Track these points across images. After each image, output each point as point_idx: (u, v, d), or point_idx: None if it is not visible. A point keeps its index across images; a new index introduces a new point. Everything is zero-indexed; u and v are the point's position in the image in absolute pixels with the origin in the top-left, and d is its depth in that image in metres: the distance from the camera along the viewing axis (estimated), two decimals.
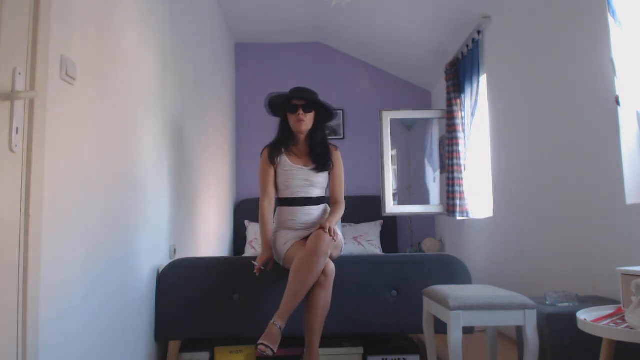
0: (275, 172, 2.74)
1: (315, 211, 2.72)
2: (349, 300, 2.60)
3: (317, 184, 2.74)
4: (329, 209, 2.79)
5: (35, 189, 1.41)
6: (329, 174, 2.79)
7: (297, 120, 2.68)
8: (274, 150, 2.75)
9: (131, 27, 2.28)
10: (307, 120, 2.70)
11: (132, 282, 2.26)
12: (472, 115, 3.84)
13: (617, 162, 2.22)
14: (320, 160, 2.74)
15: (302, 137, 2.76)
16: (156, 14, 2.65)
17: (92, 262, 1.83)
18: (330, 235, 2.45)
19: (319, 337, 2.39)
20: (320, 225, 2.51)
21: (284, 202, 2.75)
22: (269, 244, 2.66)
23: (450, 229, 4.76)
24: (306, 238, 2.62)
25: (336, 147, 2.85)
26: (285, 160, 2.73)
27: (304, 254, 2.38)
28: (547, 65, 2.88)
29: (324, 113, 2.78)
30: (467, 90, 3.97)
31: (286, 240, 2.63)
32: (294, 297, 2.32)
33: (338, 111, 2.79)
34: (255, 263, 2.56)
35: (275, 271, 2.65)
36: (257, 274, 2.55)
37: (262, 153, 2.80)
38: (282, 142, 2.76)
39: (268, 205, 2.71)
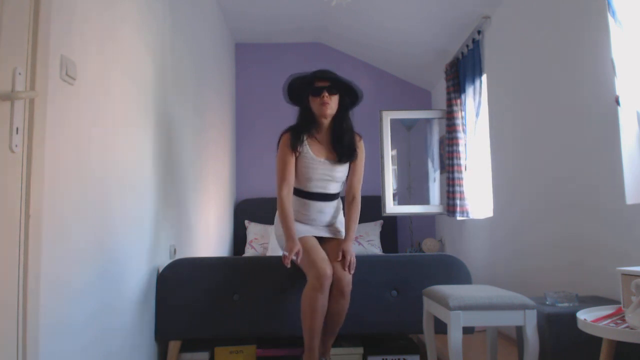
0: (295, 160, 2.55)
1: (328, 209, 2.63)
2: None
3: (337, 178, 2.61)
4: (341, 205, 2.72)
5: (35, 189, 1.41)
6: (350, 165, 2.64)
7: (321, 103, 2.49)
8: (296, 137, 2.54)
9: (131, 27, 2.28)
10: (332, 104, 2.51)
11: (132, 282, 2.26)
12: (477, 115, 3.84)
13: (617, 162, 2.22)
14: (345, 150, 2.58)
15: (325, 122, 2.58)
16: (156, 14, 2.65)
17: (92, 262, 1.83)
18: (350, 271, 2.41)
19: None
20: (342, 254, 2.44)
21: (298, 192, 2.60)
22: (294, 234, 2.47)
23: (450, 229, 4.76)
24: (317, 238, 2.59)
25: (360, 137, 2.68)
26: (307, 150, 2.56)
27: (334, 313, 2.41)
28: (547, 65, 2.88)
29: (349, 98, 2.60)
30: (469, 91, 3.96)
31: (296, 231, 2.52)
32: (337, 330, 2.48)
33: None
34: (285, 253, 2.41)
35: (276, 270, 2.65)
36: (287, 266, 2.38)
37: (280, 138, 2.60)
38: (304, 128, 2.56)
39: (287, 195, 2.52)
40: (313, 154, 2.56)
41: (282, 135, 2.60)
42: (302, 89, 2.58)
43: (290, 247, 2.42)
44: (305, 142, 2.56)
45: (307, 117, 2.57)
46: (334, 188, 2.64)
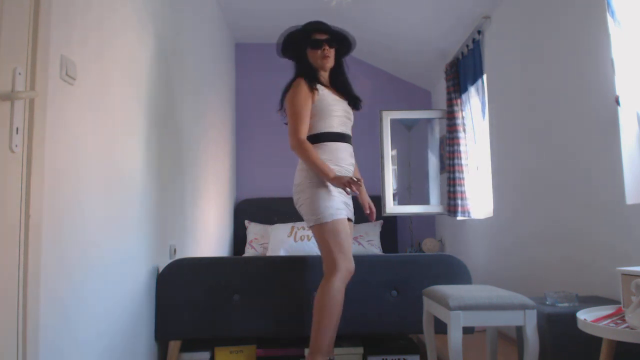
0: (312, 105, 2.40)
1: (352, 153, 2.49)
2: (348, 300, 2.59)
3: (352, 120, 2.53)
4: None
5: (35, 189, 1.41)
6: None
7: (322, 56, 2.45)
8: (311, 79, 2.42)
9: (131, 27, 2.28)
10: (331, 57, 2.48)
11: (132, 282, 2.26)
12: (483, 115, 3.83)
13: (617, 162, 2.22)
14: (351, 96, 2.55)
15: (325, 75, 2.53)
16: (156, 14, 2.65)
17: (92, 262, 1.83)
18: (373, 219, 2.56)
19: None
20: (369, 207, 2.53)
21: (325, 137, 2.40)
22: (330, 169, 2.32)
23: (450, 229, 4.76)
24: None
25: None
26: (324, 89, 2.45)
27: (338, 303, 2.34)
28: (547, 65, 2.88)
29: (343, 47, 2.57)
30: (472, 91, 3.96)
31: (336, 205, 2.32)
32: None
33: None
34: (352, 179, 2.26)
35: (276, 270, 2.65)
36: (356, 193, 2.28)
37: (291, 84, 2.45)
38: (313, 75, 2.46)
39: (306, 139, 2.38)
40: (331, 94, 2.48)
41: (292, 81, 2.47)
42: (296, 42, 2.52)
43: (341, 178, 2.28)
44: (320, 85, 2.47)
45: (307, 69, 2.49)
46: (350, 132, 2.55)
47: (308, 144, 2.36)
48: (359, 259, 2.69)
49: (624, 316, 1.70)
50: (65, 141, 1.64)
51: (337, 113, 2.45)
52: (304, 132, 2.38)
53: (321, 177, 2.33)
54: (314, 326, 2.25)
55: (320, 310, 2.24)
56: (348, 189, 2.28)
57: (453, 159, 4.12)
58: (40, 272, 1.44)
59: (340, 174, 2.37)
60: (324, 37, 2.47)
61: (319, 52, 2.46)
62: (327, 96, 2.44)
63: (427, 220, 5.24)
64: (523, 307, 2.02)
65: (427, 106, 5.38)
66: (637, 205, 2.11)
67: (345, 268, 2.29)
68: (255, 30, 5.12)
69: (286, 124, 2.52)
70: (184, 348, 2.67)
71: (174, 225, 2.90)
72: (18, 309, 1.35)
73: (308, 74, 2.46)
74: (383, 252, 4.71)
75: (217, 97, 4.37)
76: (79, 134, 1.74)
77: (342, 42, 2.55)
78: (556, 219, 2.78)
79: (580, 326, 1.71)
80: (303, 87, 2.40)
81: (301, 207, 2.41)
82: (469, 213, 4.03)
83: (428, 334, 2.41)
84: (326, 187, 2.35)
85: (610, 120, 2.26)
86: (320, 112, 2.42)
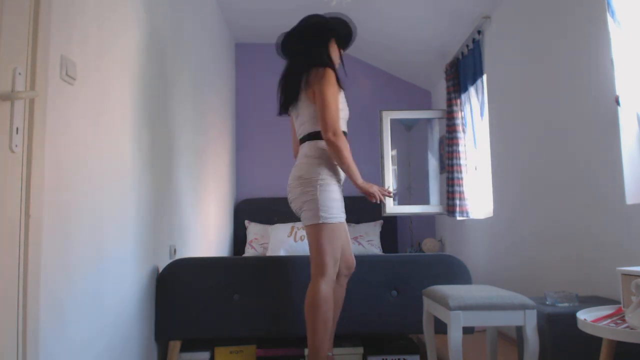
0: None
1: None
2: (349, 300, 2.60)
3: None
4: None
5: (35, 189, 1.41)
6: None
7: (340, 56, 2.46)
8: (337, 75, 2.34)
9: (131, 27, 2.28)
10: None
11: (132, 282, 2.26)
12: (482, 115, 3.83)
13: (617, 162, 2.22)
14: None
15: None
16: (156, 14, 2.65)
17: (91, 262, 1.83)
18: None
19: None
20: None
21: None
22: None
23: (450, 229, 4.76)
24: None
25: None
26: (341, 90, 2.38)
27: (341, 297, 2.40)
28: (547, 65, 2.89)
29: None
30: (471, 91, 3.96)
31: (343, 207, 2.31)
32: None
33: None
34: (377, 189, 2.32)
35: (276, 270, 2.65)
36: (389, 195, 2.36)
37: (324, 73, 2.28)
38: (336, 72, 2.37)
39: None
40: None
41: (325, 69, 2.31)
42: (325, 29, 2.46)
43: (371, 186, 2.33)
44: None
45: (332, 62, 2.40)
46: None
47: (346, 142, 2.25)
48: (359, 259, 2.69)
49: (624, 316, 1.70)
50: (65, 141, 1.64)
51: (346, 114, 2.43)
52: (340, 127, 2.27)
53: (351, 178, 2.31)
54: (308, 333, 2.23)
55: (313, 316, 2.20)
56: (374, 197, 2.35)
57: (452, 159, 4.12)
58: (40, 272, 1.44)
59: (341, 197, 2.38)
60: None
61: (340, 51, 2.47)
62: (342, 95, 2.41)
63: (427, 220, 5.24)
64: (523, 307, 2.02)
65: (427, 106, 5.39)
66: (637, 205, 2.11)
67: (333, 274, 2.27)
68: (255, 30, 5.11)
69: (279, 107, 2.57)
70: (184, 348, 2.67)
71: (174, 225, 2.90)
72: (18, 309, 1.35)
73: (334, 69, 2.37)
74: (383, 252, 4.71)
75: (217, 97, 4.37)
76: (79, 134, 1.74)
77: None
78: (556, 219, 2.78)
79: (580, 326, 1.71)
80: (335, 80, 2.29)
81: (306, 202, 2.26)
82: (467, 213, 4.03)
83: (428, 334, 2.41)
84: (339, 186, 2.33)
85: (610, 120, 2.26)
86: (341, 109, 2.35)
